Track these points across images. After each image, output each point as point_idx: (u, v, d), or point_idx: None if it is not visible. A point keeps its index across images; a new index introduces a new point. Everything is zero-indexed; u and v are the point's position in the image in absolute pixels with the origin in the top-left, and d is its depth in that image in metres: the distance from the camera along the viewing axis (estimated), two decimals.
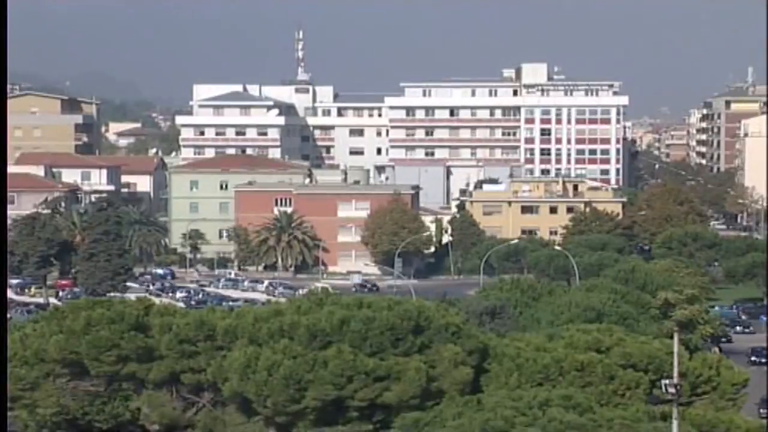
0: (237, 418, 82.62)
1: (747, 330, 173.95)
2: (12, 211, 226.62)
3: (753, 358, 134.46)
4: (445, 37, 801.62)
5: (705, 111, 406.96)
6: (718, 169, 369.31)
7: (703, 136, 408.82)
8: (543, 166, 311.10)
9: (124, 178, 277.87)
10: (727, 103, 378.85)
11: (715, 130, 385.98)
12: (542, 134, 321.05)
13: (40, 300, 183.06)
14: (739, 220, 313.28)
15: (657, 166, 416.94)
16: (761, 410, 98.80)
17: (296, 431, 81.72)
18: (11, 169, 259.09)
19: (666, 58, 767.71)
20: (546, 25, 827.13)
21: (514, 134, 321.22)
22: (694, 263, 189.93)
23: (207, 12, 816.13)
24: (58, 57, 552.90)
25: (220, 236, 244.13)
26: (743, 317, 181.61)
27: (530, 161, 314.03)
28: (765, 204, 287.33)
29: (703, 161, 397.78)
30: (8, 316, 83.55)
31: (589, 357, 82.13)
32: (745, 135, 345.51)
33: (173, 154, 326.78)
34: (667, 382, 73.77)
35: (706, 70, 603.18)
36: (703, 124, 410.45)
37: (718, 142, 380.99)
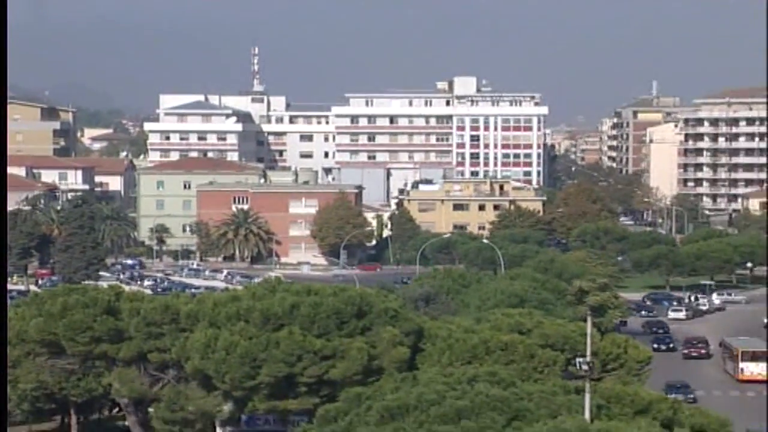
0: (198, 392, 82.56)
1: (651, 314, 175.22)
2: None
3: (655, 345, 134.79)
4: (385, 52, 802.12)
5: (615, 120, 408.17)
6: (627, 171, 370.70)
7: (614, 142, 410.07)
8: (472, 169, 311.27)
9: (98, 178, 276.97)
10: (635, 113, 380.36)
11: (624, 136, 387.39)
12: (472, 140, 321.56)
13: (22, 287, 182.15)
14: (644, 216, 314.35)
15: (573, 168, 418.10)
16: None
17: (251, 404, 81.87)
18: None
19: (581, 72, 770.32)
20: (475, 42, 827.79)
21: (447, 140, 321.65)
22: (605, 254, 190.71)
23: (171, 28, 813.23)
24: (38, 69, 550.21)
25: (184, 230, 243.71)
26: (648, 303, 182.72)
27: (461, 164, 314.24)
28: (668, 202, 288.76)
29: (614, 164, 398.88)
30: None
31: (512, 338, 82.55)
32: (650, 141, 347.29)
33: (141, 156, 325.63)
34: (580, 360, 74.14)
35: (616, 84, 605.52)
36: (614, 132, 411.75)
37: (627, 148, 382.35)
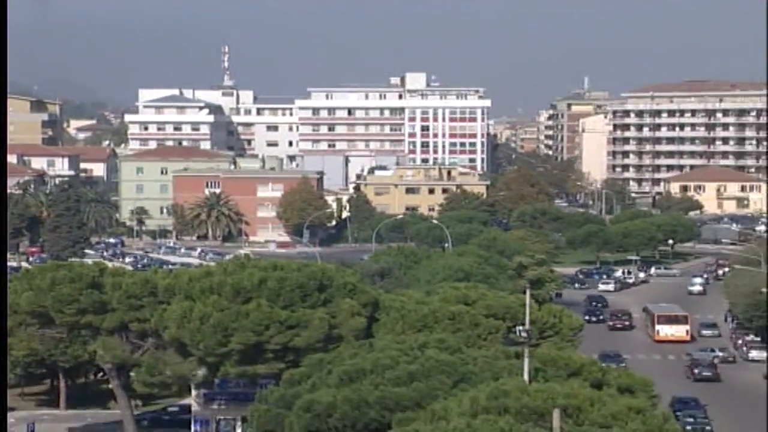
0: (175, 358, 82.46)
1: (583, 286, 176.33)
2: None
3: (587, 317, 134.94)
4: (343, 49, 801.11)
5: (551, 111, 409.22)
6: (562, 158, 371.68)
7: (550, 132, 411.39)
8: (423, 156, 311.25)
9: (82, 165, 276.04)
10: (568, 106, 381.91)
11: (559, 127, 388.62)
12: (422, 130, 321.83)
13: (14, 264, 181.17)
14: (577, 198, 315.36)
15: (513, 155, 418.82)
16: None
17: (223, 369, 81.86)
18: None
19: (521, 68, 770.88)
20: (426, 40, 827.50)
21: (400, 130, 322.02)
22: (542, 233, 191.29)
23: (149, 28, 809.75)
24: (28, 65, 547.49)
25: (161, 212, 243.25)
26: (581, 276, 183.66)
27: (413, 152, 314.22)
28: (598, 186, 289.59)
29: (550, 152, 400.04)
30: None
31: (459, 308, 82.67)
32: (583, 131, 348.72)
33: (122, 145, 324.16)
34: (520, 328, 74.34)
35: (552, 79, 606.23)
36: (550, 122, 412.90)
37: (561, 137, 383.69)
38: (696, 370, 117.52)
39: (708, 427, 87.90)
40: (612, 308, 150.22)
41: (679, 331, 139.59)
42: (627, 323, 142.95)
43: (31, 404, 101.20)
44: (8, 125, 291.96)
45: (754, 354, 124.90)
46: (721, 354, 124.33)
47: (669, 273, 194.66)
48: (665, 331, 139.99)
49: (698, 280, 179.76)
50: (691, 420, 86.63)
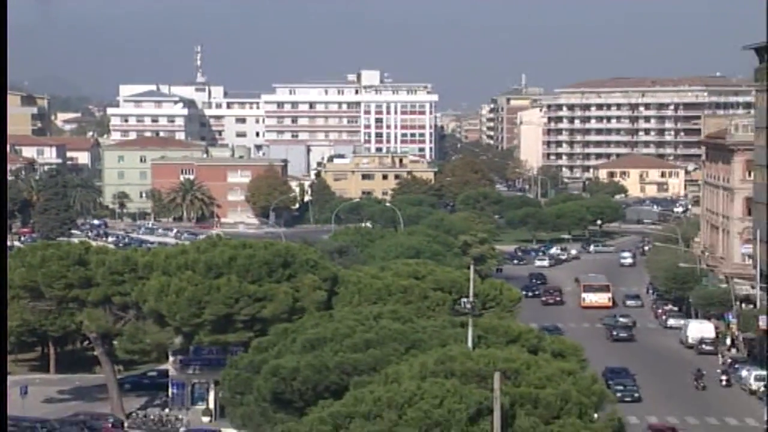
0: (154, 328, 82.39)
1: (521, 263, 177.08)
2: None
3: (524, 292, 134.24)
4: (305, 49, 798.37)
5: (492, 105, 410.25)
6: (502, 147, 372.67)
7: (491, 124, 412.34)
8: (377, 145, 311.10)
9: (69, 154, 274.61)
10: (508, 100, 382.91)
11: (499, 119, 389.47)
12: (376, 122, 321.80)
13: (8, 243, 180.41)
14: (516, 183, 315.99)
15: (458, 145, 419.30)
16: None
17: (198, 338, 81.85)
18: None
19: (465, 66, 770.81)
20: (380, 40, 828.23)
21: (356, 122, 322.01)
22: (484, 215, 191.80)
23: (128, 28, 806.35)
24: (19, 63, 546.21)
25: (140, 196, 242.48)
26: (519, 253, 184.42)
27: (368, 142, 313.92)
28: (534, 172, 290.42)
29: (491, 141, 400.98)
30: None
31: (410, 282, 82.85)
32: (520, 123, 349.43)
33: (105, 136, 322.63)
34: (464, 300, 74.52)
35: (493, 76, 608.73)
36: (491, 115, 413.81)
37: (501, 128, 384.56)
38: (614, 332, 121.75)
39: (636, 394, 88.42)
40: (546, 285, 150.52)
41: (602, 298, 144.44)
42: (558, 299, 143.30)
43: (24, 369, 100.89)
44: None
45: (671, 322, 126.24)
46: (625, 320, 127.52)
47: (605, 250, 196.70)
48: (590, 298, 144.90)
49: (627, 254, 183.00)
50: (622, 387, 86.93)
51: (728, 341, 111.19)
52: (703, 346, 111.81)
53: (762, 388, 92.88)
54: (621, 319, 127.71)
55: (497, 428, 49.19)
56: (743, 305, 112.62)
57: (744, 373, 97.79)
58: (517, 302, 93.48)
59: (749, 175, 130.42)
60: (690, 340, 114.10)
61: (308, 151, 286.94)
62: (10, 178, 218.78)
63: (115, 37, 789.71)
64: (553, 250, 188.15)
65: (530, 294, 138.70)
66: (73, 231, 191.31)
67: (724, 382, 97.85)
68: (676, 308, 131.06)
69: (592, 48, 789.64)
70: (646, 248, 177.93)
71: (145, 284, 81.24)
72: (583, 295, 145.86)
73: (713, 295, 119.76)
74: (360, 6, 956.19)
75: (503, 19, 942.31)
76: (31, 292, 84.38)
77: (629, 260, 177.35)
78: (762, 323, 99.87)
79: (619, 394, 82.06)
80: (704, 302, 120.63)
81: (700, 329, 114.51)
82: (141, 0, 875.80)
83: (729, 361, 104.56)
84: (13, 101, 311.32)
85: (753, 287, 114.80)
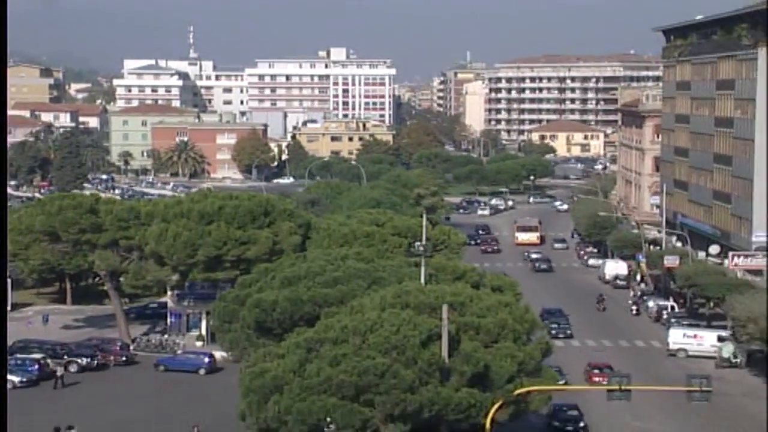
0: (154, 267, 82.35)
1: (466, 212, 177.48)
2: (11, 140, 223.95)
3: (470, 241, 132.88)
4: (282, 27, 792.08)
5: (442, 78, 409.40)
6: (450, 113, 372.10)
7: (441, 94, 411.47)
8: (344, 112, 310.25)
9: (81, 118, 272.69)
10: (455, 74, 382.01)
11: (448, 90, 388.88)
12: (343, 92, 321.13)
13: (29, 195, 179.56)
14: (462, 145, 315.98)
15: (413, 112, 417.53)
16: None
17: (192, 275, 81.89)
18: (12, 111, 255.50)
19: (418, 43, 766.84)
20: (346, 20, 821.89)
21: (326, 92, 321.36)
22: (435, 171, 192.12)
23: (130, 10, 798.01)
24: (38, 40, 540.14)
25: (142, 155, 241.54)
26: (465, 204, 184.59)
27: (336, 109, 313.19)
28: (478, 135, 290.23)
29: (441, 109, 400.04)
30: (8, 209, 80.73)
31: (372, 228, 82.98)
32: (466, 93, 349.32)
33: (112, 103, 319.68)
34: (418, 243, 74.77)
35: (443, 52, 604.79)
36: (441, 86, 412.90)
37: (450, 98, 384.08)
38: (536, 265, 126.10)
39: (569, 331, 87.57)
40: (486, 236, 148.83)
41: (532, 237, 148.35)
42: (496, 248, 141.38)
43: (45, 301, 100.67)
44: (23, 87, 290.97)
45: (591, 261, 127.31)
46: (540, 255, 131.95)
47: (542, 201, 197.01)
48: (522, 237, 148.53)
49: (558, 202, 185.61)
50: (556, 325, 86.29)
51: (638, 277, 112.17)
52: (618, 281, 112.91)
53: (665, 316, 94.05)
54: (536, 255, 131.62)
55: (445, 351, 49.48)
56: (651, 247, 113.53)
57: (650, 303, 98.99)
58: (463, 245, 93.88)
59: (657, 137, 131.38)
60: (607, 277, 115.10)
61: (285, 116, 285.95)
62: (31, 139, 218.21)
63: (120, 17, 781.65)
64: (494, 201, 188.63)
65: (473, 243, 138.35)
66: (84, 184, 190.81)
67: (634, 312, 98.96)
68: (595, 250, 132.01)
69: (527, 28, 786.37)
70: (576, 199, 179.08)
71: (146, 230, 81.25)
72: (517, 234, 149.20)
73: (626, 239, 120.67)
74: None
75: (452, 4, 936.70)
76: (50, 236, 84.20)
77: (564, 206, 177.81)
78: (666, 262, 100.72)
79: (553, 331, 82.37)
80: (619, 245, 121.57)
81: (615, 267, 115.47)
82: None
83: (639, 294, 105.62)
84: (32, 73, 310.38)
85: (659, 232, 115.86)
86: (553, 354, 57.09)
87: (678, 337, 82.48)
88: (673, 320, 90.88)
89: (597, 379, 69.03)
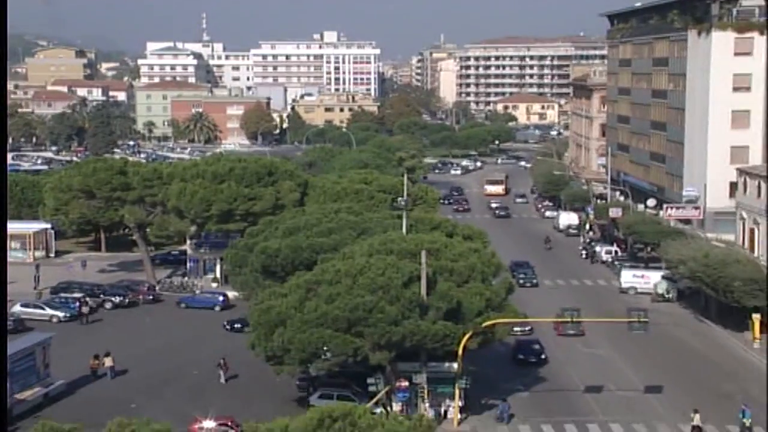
0: (175, 219, 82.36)
1: (441, 172, 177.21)
2: (51, 111, 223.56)
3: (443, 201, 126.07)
4: (283, 12, 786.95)
5: (419, 57, 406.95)
6: (427, 88, 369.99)
7: (419, 71, 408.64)
8: (336, 87, 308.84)
9: (111, 93, 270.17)
10: (431, 53, 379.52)
11: (425, 67, 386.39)
12: (335, 70, 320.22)
13: (68, 158, 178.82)
14: (437, 114, 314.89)
15: (395, 86, 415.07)
16: None
17: (207, 226, 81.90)
18: (52, 87, 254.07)
19: (399, 28, 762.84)
20: (338, 6, 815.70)
21: (320, 70, 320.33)
22: (414, 137, 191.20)
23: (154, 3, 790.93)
24: (73, 25, 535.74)
25: (163, 124, 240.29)
26: (440, 165, 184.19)
27: (329, 84, 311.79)
28: (451, 106, 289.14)
29: (419, 84, 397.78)
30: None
31: (360, 186, 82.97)
32: (440, 70, 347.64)
33: (137, 80, 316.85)
34: (400, 198, 74.85)
35: (419, 34, 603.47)
36: (419, 64, 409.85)
37: (426, 74, 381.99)
38: (497, 212, 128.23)
39: (534, 280, 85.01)
40: (458, 196, 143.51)
41: (498, 189, 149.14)
42: (466, 207, 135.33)
43: (83, 249, 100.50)
44: (61, 66, 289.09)
45: (548, 213, 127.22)
46: (499, 205, 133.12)
47: (508, 161, 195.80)
48: (490, 188, 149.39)
49: (523, 162, 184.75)
50: (524, 275, 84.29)
51: (587, 227, 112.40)
52: (570, 230, 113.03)
53: (609, 259, 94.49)
54: (495, 205, 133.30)
55: (423, 290, 49.72)
56: (598, 201, 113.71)
57: (598, 248, 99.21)
58: (438, 201, 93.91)
59: (603, 107, 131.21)
60: (561, 226, 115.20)
61: (285, 91, 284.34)
62: (69, 111, 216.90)
63: (144, 5, 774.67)
64: (464, 163, 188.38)
65: (446, 202, 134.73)
66: (114, 150, 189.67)
67: (584, 256, 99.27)
68: (551, 203, 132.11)
69: (493, 14, 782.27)
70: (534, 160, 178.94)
71: (168, 188, 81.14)
72: (486, 186, 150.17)
73: (577, 194, 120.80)
74: None
75: None
76: (86, 193, 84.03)
77: (528, 165, 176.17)
78: (611, 213, 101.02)
79: (521, 281, 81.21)
80: (571, 199, 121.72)
81: (568, 218, 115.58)
82: None
83: (588, 240, 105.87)
84: (69, 55, 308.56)
85: (605, 188, 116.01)
86: (522, 295, 57.34)
87: (629, 277, 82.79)
88: (616, 263, 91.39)
89: (563, 329, 67.40)
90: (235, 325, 68.29)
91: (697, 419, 50.69)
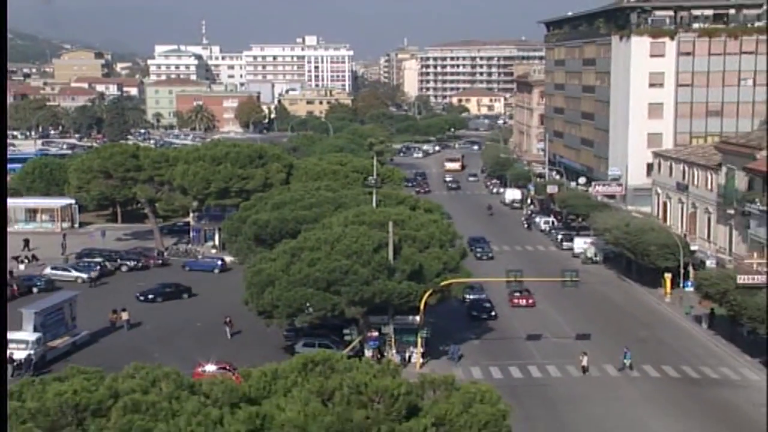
0: (180, 196, 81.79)
1: (405, 155, 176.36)
2: (74, 104, 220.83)
3: (409, 184, 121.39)
4: (270, 17, 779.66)
5: (386, 57, 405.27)
6: (393, 84, 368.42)
7: (386, 69, 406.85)
8: (316, 83, 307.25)
9: (125, 89, 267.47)
10: (396, 54, 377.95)
11: (391, 66, 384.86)
12: (315, 68, 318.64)
13: (89, 144, 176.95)
14: (402, 106, 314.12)
15: (366, 82, 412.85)
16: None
17: (207, 202, 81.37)
18: (75, 84, 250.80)
19: (370, 32, 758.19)
20: (318, 13, 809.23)
21: (302, 68, 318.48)
22: (383, 126, 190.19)
23: (159, 6, 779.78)
24: (91, 31, 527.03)
25: (169, 115, 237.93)
26: (404, 149, 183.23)
27: (310, 81, 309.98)
28: (413, 99, 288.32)
29: (386, 80, 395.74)
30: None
31: (337, 167, 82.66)
32: (404, 69, 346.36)
33: (146, 77, 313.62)
34: (371, 177, 74.67)
35: (385, 37, 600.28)
36: (386, 64, 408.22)
37: (392, 72, 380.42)
38: (449, 185, 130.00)
39: (491, 254, 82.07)
40: (421, 180, 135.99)
41: (455, 165, 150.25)
42: (427, 189, 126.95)
43: (102, 221, 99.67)
44: (83, 66, 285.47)
45: (495, 190, 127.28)
46: (452, 179, 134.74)
47: (465, 147, 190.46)
48: (449, 165, 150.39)
49: (476, 147, 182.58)
50: (480, 249, 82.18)
51: (528, 201, 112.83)
52: (514, 204, 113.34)
53: (547, 228, 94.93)
54: (449, 178, 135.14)
55: (390, 255, 49.75)
56: (538, 179, 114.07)
57: (537, 219, 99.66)
58: (403, 180, 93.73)
59: (542, 100, 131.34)
60: (507, 201, 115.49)
61: (273, 86, 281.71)
62: (88, 104, 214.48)
63: (152, 12, 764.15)
64: (425, 147, 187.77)
65: (410, 185, 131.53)
66: (128, 137, 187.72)
67: (526, 226, 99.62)
68: (498, 181, 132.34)
69: (448, 20, 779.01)
70: (484, 145, 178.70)
71: (174, 169, 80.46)
72: (445, 163, 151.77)
73: (520, 173, 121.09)
74: None
75: (395, 3, 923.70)
76: (104, 174, 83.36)
77: (480, 149, 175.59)
78: (548, 190, 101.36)
79: (479, 254, 79.83)
80: (515, 177, 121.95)
81: (513, 194, 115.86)
82: None
83: (529, 213, 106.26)
84: (89, 56, 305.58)
85: (543, 168, 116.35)
86: (479, 266, 57.32)
87: (581, 244, 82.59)
88: (553, 231, 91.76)
89: (516, 301, 65.51)
90: (149, 297, 65.68)
91: (585, 360, 51.15)
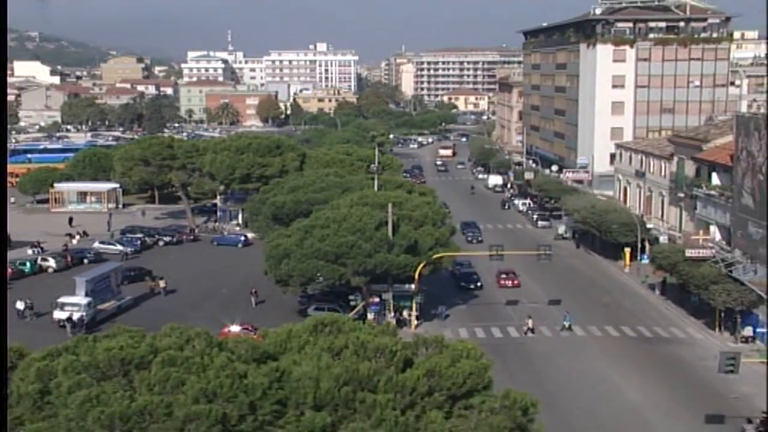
0: (209, 181, 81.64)
1: (403, 146, 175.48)
2: (119, 102, 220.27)
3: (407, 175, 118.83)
4: (287, 25, 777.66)
5: (387, 62, 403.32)
6: (392, 85, 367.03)
7: (386, 72, 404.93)
8: (326, 84, 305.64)
9: (162, 89, 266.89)
10: (395, 59, 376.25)
11: (391, 69, 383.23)
12: (325, 71, 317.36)
13: (131, 136, 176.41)
14: (400, 105, 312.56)
15: (369, 84, 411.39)
16: None
17: (232, 186, 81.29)
18: (119, 84, 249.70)
19: (372, 40, 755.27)
20: (328, 23, 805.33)
21: (314, 71, 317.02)
22: (384, 120, 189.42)
23: (191, 16, 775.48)
24: (133, 38, 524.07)
25: (199, 111, 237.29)
26: (402, 141, 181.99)
27: (321, 82, 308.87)
28: (410, 97, 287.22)
29: (387, 81, 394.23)
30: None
31: (344, 156, 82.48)
32: (402, 71, 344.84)
33: (181, 79, 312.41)
34: (373, 165, 74.53)
35: (385, 44, 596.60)
36: (386, 67, 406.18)
37: (392, 74, 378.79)
38: (439, 168, 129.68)
39: (480, 238, 78.00)
40: (417, 172, 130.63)
41: (448, 152, 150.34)
42: (422, 180, 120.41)
43: (142, 202, 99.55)
44: (126, 69, 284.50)
45: (480, 176, 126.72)
46: (441, 163, 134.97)
47: (457, 138, 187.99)
48: (442, 152, 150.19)
49: (465, 139, 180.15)
50: (471, 233, 79.10)
51: (509, 186, 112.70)
52: (496, 188, 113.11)
53: (524, 209, 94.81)
54: (439, 162, 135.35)
55: (390, 232, 49.81)
56: (517, 167, 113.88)
57: (516, 201, 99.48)
58: (401, 167, 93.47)
59: (520, 98, 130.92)
60: (490, 185, 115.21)
61: (289, 87, 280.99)
62: (131, 102, 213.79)
63: (185, 21, 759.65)
64: (420, 139, 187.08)
65: (406, 176, 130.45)
66: (164, 130, 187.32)
67: (506, 207, 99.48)
68: (482, 168, 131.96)
69: (440, 29, 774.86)
70: (471, 137, 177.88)
71: (203, 158, 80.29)
72: (439, 150, 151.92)
73: (501, 162, 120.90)
74: (318, 6, 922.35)
75: (394, 15, 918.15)
76: (143, 161, 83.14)
77: (468, 140, 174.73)
78: (526, 176, 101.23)
79: (470, 238, 77.28)
80: (497, 165, 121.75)
81: (495, 179, 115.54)
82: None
83: (509, 196, 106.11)
84: (131, 60, 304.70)
85: (521, 157, 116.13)
86: (470, 247, 57.12)
87: (562, 227, 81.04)
88: (530, 212, 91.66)
89: (503, 282, 62.13)
90: (131, 273, 62.17)
91: (530, 323, 50.90)
